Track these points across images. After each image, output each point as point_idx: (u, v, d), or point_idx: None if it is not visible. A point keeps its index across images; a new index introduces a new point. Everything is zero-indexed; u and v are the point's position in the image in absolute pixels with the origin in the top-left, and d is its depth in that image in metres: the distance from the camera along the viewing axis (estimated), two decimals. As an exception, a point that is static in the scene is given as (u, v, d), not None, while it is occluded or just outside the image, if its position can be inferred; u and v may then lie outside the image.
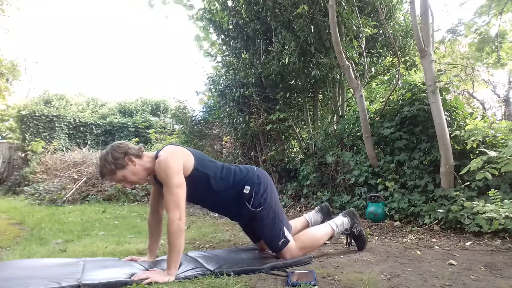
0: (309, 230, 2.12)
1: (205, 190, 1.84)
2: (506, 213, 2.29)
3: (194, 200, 1.93)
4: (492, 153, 2.55)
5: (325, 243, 2.38)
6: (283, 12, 4.39)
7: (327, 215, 2.36)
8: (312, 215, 2.37)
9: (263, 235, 2.00)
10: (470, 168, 2.55)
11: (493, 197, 2.46)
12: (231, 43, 5.11)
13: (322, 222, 2.32)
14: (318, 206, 2.48)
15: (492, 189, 2.50)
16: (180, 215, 1.63)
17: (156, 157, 1.78)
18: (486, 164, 2.51)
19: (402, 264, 1.83)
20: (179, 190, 1.67)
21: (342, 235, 2.41)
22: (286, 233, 1.94)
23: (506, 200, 2.42)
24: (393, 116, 3.51)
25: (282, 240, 1.92)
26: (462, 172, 2.68)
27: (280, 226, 1.93)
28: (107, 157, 1.73)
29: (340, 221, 2.13)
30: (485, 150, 2.64)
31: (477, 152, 2.92)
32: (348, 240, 2.22)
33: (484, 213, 2.37)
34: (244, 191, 1.88)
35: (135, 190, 6.61)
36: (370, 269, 1.72)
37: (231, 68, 5.22)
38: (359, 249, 2.15)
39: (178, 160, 1.73)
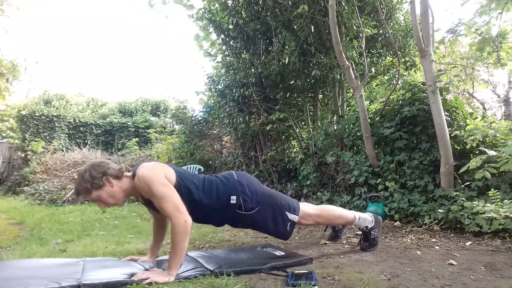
0: (331, 206, 2.21)
1: (189, 204, 1.76)
2: (506, 213, 2.28)
3: None
4: (491, 152, 2.55)
5: (325, 243, 2.38)
6: (283, 12, 4.39)
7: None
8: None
9: (269, 232, 2.02)
10: (469, 167, 2.55)
11: (493, 197, 2.45)
12: (231, 43, 5.11)
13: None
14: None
15: (492, 189, 2.50)
16: (185, 218, 1.63)
17: (134, 176, 1.73)
18: (485, 163, 2.51)
19: (402, 264, 1.83)
20: (172, 196, 1.64)
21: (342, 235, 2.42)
22: (290, 216, 1.97)
23: (506, 200, 2.42)
24: (393, 116, 3.51)
25: (289, 224, 1.96)
26: (461, 171, 2.68)
27: (281, 213, 1.95)
28: (84, 175, 1.68)
29: (365, 216, 2.16)
30: (484, 149, 2.64)
31: (477, 152, 2.92)
32: (361, 239, 2.22)
33: (484, 213, 2.37)
34: (231, 202, 1.85)
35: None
36: (370, 269, 1.72)
37: (231, 68, 5.22)
38: (362, 248, 2.15)
39: (158, 172, 1.70)
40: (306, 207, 2.07)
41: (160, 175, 1.68)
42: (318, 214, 2.08)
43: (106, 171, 1.70)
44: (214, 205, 1.85)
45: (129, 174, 1.80)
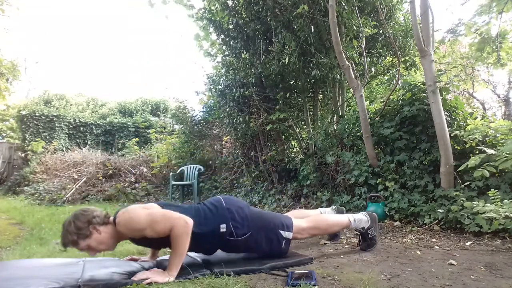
0: (323, 215, 2.20)
1: None
2: (506, 213, 2.29)
3: (169, 246, 1.78)
4: (490, 151, 2.55)
5: (325, 243, 2.38)
6: (283, 12, 4.38)
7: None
8: (327, 210, 2.41)
9: (265, 253, 1.96)
10: (467, 165, 2.55)
11: (493, 197, 2.45)
12: (231, 43, 5.11)
13: None
14: (333, 206, 2.50)
15: (492, 189, 2.50)
16: (186, 219, 1.62)
17: (114, 221, 1.69)
18: (484, 163, 2.51)
19: (402, 264, 1.83)
20: (157, 215, 1.63)
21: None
22: (284, 233, 1.95)
23: (506, 200, 2.42)
24: (393, 116, 3.51)
25: (284, 242, 1.94)
26: (459, 169, 2.68)
27: (275, 233, 1.93)
28: (69, 228, 1.63)
29: (360, 217, 2.16)
30: (483, 148, 2.64)
31: (477, 152, 2.92)
32: (360, 240, 2.22)
33: (484, 213, 2.37)
34: (221, 230, 1.82)
35: (135, 190, 6.61)
36: (370, 269, 1.72)
37: (231, 68, 5.22)
38: (362, 249, 2.15)
39: (137, 209, 1.68)
40: (299, 222, 2.03)
41: (136, 210, 1.67)
42: (312, 227, 2.05)
43: (91, 219, 1.66)
44: (202, 235, 1.78)
45: (111, 220, 1.73)
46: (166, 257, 1.89)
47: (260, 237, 1.90)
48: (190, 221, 1.63)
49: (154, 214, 1.64)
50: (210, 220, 1.83)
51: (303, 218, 2.10)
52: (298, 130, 5.12)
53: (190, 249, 1.84)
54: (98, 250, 1.69)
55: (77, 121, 10.38)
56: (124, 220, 1.63)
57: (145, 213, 1.65)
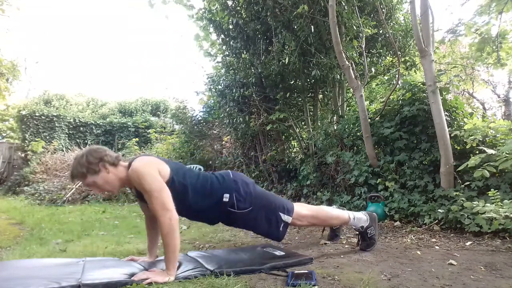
0: (324, 206, 2.24)
1: (183, 200, 1.78)
2: (506, 213, 2.29)
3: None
4: (490, 151, 2.55)
5: (325, 243, 2.38)
6: (283, 12, 4.38)
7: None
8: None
9: (262, 232, 2.03)
10: (468, 165, 2.55)
11: (493, 197, 2.45)
12: (231, 43, 5.11)
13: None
14: (334, 206, 2.56)
15: (492, 189, 2.50)
16: (169, 215, 1.61)
17: (129, 166, 1.73)
18: (485, 163, 2.51)
19: (402, 264, 1.83)
20: (161, 193, 1.63)
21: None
22: (284, 217, 1.97)
23: (506, 200, 2.42)
24: (393, 116, 3.51)
25: (282, 225, 1.97)
26: (459, 169, 2.68)
27: (275, 215, 1.96)
28: (81, 160, 1.69)
29: (359, 216, 2.16)
30: (483, 148, 2.63)
31: (477, 152, 2.92)
32: (359, 239, 2.22)
33: (484, 213, 2.37)
34: (224, 199, 1.86)
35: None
36: (370, 269, 1.72)
37: (231, 68, 5.22)
38: (361, 248, 2.15)
39: (152, 167, 1.70)
40: (300, 208, 2.06)
41: (153, 170, 1.68)
42: (312, 215, 2.08)
43: (103, 157, 1.71)
44: (206, 201, 1.85)
45: (126, 163, 1.80)
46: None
47: (260, 215, 1.93)
48: (174, 218, 1.62)
49: (156, 188, 1.63)
50: (215, 187, 1.87)
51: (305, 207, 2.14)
52: (298, 130, 5.12)
53: (195, 217, 1.99)
54: (103, 189, 1.74)
55: (77, 121, 10.37)
56: (137, 171, 1.66)
57: (153, 179, 1.65)
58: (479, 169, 2.44)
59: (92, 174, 1.69)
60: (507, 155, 2.41)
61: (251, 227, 2.02)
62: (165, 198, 1.64)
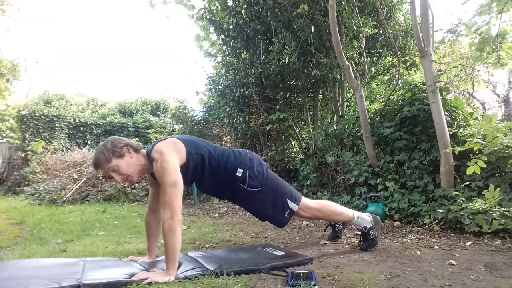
0: (331, 202, 2.26)
1: (201, 171, 1.86)
2: (504, 212, 2.28)
3: (187, 182, 1.91)
4: (480, 141, 2.55)
5: (325, 243, 2.38)
6: (283, 12, 4.38)
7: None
8: None
9: (267, 216, 2.07)
10: (457, 151, 2.55)
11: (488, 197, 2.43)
12: (231, 43, 5.11)
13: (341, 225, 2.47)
14: None
15: (485, 190, 2.46)
16: (172, 214, 1.61)
17: (148, 155, 1.80)
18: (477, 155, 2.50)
19: (402, 264, 1.83)
20: (172, 189, 1.66)
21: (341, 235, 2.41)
22: (291, 204, 2.01)
23: (505, 202, 2.41)
24: (393, 116, 3.51)
25: (288, 211, 2.00)
26: (457, 150, 2.64)
27: (283, 200, 1.99)
28: (106, 144, 1.75)
29: (363, 216, 2.18)
30: (479, 141, 2.60)
31: (477, 152, 2.92)
32: (361, 239, 2.22)
33: (483, 212, 2.37)
34: (237, 174, 1.91)
35: (135, 190, 6.61)
36: (370, 269, 1.72)
37: (231, 68, 5.22)
38: (362, 248, 2.15)
39: (171, 157, 1.73)
40: (306, 200, 2.11)
41: (174, 162, 1.72)
42: (318, 208, 2.11)
43: (128, 142, 1.80)
44: (220, 173, 1.90)
45: (144, 152, 1.86)
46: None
47: (267, 197, 1.97)
48: (175, 218, 1.61)
49: (169, 184, 1.65)
50: (230, 160, 1.92)
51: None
52: (298, 130, 5.12)
53: (206, 189, 2.04)
54: (125, 173, 1.77)
55: (77, 121, 10.37)
56: (161, 160, 1.69)
57: (172, 171, 1.68)
58: (471, 165, 2.42)
59: (117, 157, 1.74)
60: (493, 140, 2.41)
61: (255, 208, 2.06)
62: (173, 196, 1.65)
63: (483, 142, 2.53)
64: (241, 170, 1.91)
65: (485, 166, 2.43)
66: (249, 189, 1.92)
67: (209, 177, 1.91)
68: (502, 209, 2.32)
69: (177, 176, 1.70)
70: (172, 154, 1.74)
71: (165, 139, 1.89)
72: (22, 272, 1.62)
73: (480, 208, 2.35)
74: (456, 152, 2.69)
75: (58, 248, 2.40)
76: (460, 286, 1.46)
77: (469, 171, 2.46)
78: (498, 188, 2.36)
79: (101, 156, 1.74)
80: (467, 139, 2.64)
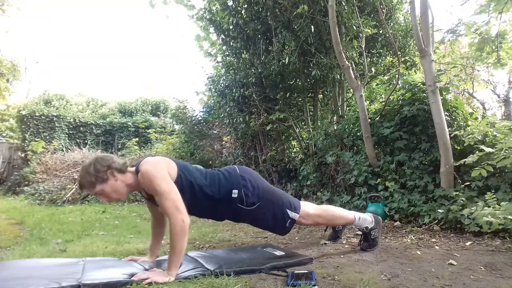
0: (330, 206, 2.25)
1: (191, 197, 1.78)
2: (504, 215, 2.27)
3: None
4: (489, 149, 2.54)
5: (325, 243, 2.38)
6: (283, 12, 4.38)
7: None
8: None
9: (269, 227, 2.06)
10: (465, 162, 2.54)
11: (490, 200, 2.42)
12: (231, 43, 5.11)
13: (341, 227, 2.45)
14: None
15: (489, 193, 2.46)
16: (183, 217, 1.61)
17: (137, 171, 1.73)
18: (483, 161, 2.49)
19: (402, 264, 1.83)
20: (172, 194, 1.63)
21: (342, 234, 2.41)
22: (291, 214, 1.98)
23: (503, 202, 2.40)
24: (393, 116, 3.51)
25: (288, 221, 1.98)
26: (456, 164, 2.66)
27: (282, 211, 1.97)
28: (89, 168, 1.67)
29: (365, 216, 2.17)
30: (482, 147, 2.62)
31: (476, 151, 2.92)
32: (361, 239, 2.22)
33: (482, 217, 2.36)
34: (233, 195, 1.85)
35: (135, 190, 6.60)
36: (370, 269, 1.72)
37: (231, 68, 5.22)
38: (362, 248, 2.15)
39: (161, 168, 1.70)
40: (306, 207, 2.07)
41: (162, 171, 1.68)
42: (318, 214, 2.08)
43: (110, 164, 1.71)
44: (215, 198, 1.84)
45: (133, 169, 1.79)
46: (166, 257, 1.88)
47: (267, 210, 1.94)
48: (187, 220, 1.62)
49: (167, 190, 1.63)
50: (223, 184, 1.87)
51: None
52: (298, 130, 5.12)
53: (202, 214, 2.01)
54: (111, 197, 1.73)
55: (77, 121, 10.36)
56: (147, 174, 1.65)
57: (164, 181, 1.65)
58: (477, 168, 2.43)
59: (101, 182, 1.68)
60: (506, 153, 2.40)
61: (258, 222, 2.04)
62: (178, 200, 1.64)
63: (492, 150, 2.51)
64: (236, 191, 1.85)
65: (492, 170, 2.43)
66: (248, 208, 1.88)
67: (199, 203, 1.84)
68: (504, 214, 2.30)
69: (171, 182, 1.67)
70: (159, 167, 1.69)
71: (156, 155, 1.86)
72: (22, 272, 1.62)
73: (489, 216, 2.32)
74: (464, 161, 2.63)
75: (58, 248, 2.40)
76: (460, 286, 1.46)
77: (474, 173, 2.45)
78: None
79: (84, 180, 1.68)
80: (472, 144, 2.63)
